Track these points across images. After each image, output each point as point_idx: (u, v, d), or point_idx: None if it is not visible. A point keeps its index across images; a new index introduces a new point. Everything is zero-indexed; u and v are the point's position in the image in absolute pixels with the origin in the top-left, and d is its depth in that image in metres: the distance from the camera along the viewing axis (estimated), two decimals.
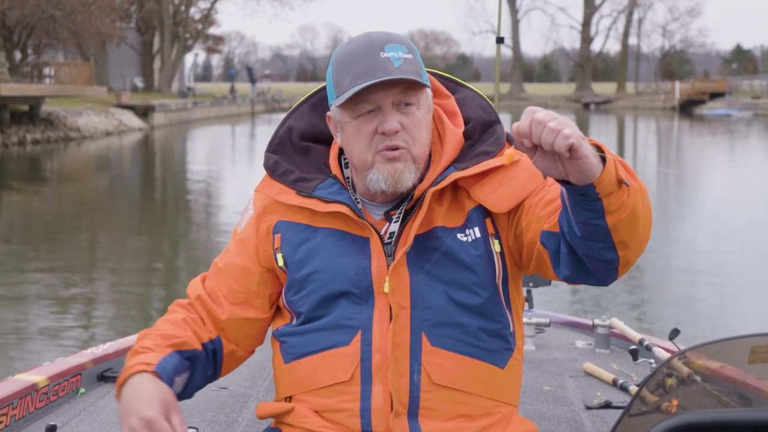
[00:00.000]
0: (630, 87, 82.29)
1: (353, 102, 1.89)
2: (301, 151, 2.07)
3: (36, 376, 2.72)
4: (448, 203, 1.96)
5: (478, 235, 1.95)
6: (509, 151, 1.76)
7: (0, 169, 23.85)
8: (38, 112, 32.47)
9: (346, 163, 2.03)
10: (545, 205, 1.87)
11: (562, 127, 1.56)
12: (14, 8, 33.81)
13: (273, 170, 2.04)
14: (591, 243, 1.72)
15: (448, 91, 2.08)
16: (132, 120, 38.76)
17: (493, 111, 2.05)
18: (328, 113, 2.00)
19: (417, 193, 1.94)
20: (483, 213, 1.96)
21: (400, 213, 1.95)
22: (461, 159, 1.97)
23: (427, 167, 1.97)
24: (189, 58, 74.22)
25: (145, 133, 37.49)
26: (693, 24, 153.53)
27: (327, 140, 2.07)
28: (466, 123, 2.03)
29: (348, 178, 2.02)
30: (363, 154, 1.91)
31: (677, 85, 67.47)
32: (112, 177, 23.06)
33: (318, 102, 2.08)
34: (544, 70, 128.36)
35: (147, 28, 58.21)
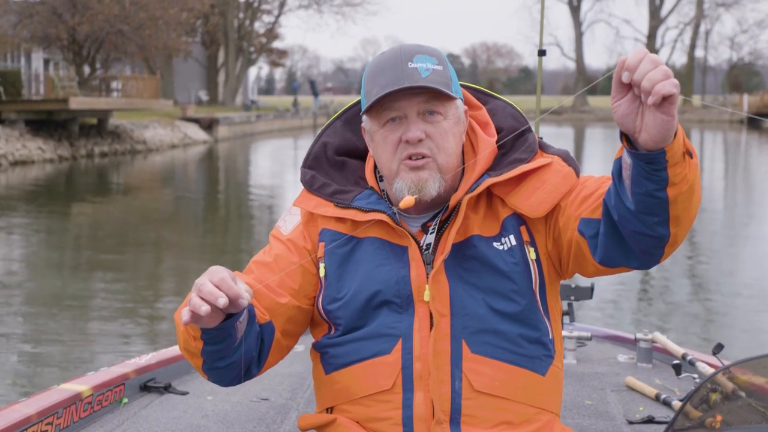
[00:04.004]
0: (696, 100, 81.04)
1: (379, 110, 1.92)
2: (337, 165, 2.09)
3: (80, 385, 2.75)
4: (484, 212, 1.97)
5: (514, 243, 1.95)
6: None
7: (69, 181, 24.36)
8: (106, 125, 33.16)
9: (381, 177, 2.05)
10: (581, 202, 1.88)
11: (672, 75, 1.57)
12: (84, 23, 34.57)
13: (310, 185, 2.06)
14: (646, 217, 1.70)
15: (479, 102, 2.09)
16: (197, 133, 39.35)
17: (525, 119, 2.07)
18: (363, 125, 2.02)
19: (452, 202, 1.95)
20: (518, 221, 1.97)
21: (435, 224, 1.96)
22: (495, 167, 1.98)
23: (461, 177, 1.98)
24: (252, 72, 75.09)
25: (210, 146, 37.98)
26: (762, 36, 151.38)
27: (361, 155, 2.10)
28: (498, 132, 2.04)
29: (384, 191, 2.04)
30: (389, 163, 1.94)
31: (745, 97, 66.27)
32: (177, 189, 23.39)
33: (351, 117, 2.12)
34: (608, 83, 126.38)
35: (212, 42, 59.08)
